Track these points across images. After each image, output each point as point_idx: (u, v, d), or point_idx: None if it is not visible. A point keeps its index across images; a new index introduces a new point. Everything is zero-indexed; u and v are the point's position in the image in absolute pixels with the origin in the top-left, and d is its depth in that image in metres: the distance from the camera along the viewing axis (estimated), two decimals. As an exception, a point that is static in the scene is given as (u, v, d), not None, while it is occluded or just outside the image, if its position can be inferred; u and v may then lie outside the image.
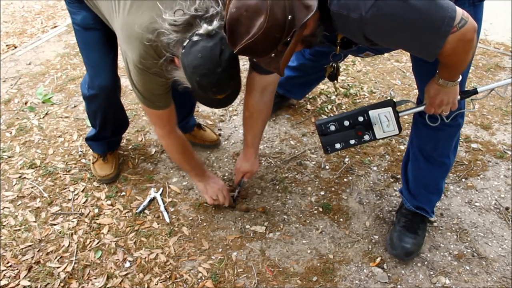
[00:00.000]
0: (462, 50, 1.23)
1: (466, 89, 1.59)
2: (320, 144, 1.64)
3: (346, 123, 1.58)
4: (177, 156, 1.89)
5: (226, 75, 1.34)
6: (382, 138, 1.63)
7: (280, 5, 1.14)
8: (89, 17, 1.70)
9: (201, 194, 2.02)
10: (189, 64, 1.32)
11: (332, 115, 2.60)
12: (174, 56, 1.40)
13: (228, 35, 1.25)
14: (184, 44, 1.32)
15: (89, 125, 2.31)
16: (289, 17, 1.16)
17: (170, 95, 1.65)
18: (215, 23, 1.31)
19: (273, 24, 1.16)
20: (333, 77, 1.72)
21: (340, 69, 2.42)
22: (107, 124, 2.07)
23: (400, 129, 1.57)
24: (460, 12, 1.17)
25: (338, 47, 1.52)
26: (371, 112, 1.56)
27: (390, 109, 1.55)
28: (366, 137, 1.58)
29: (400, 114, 1.57)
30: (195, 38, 1.30)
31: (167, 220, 1.97)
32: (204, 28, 1.29)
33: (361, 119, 1.57)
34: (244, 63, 2.43)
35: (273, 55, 1.23)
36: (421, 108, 1.55)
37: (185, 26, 1.31)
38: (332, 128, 1.59)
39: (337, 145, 1.61)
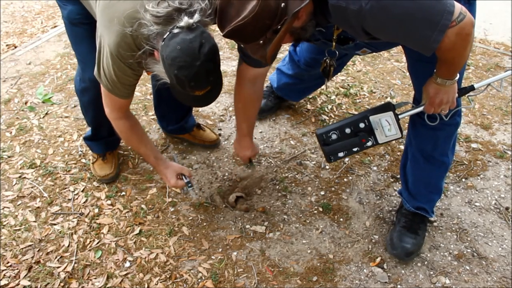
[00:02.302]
0: (461, 44, 1.24)
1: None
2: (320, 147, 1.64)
3: (348, 130, 1.57)
4: (129, 137, 1.76)
5: (204, 69, 1.31)
6: (384, 143, 1.62)
7: None
8: (75, 12, 1.69)
9: (168, 179, 1.84)
10: (167, 56, 1.30)
11: (332, 115, 2.60)
12: (154, 50, 1.38)
13: (218, 17, 1.26)
14: (164, 36, 1.31)
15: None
16: (282, 5, 1.17)
17: (133, 89, 1.62)
18: (196, 16, 1.30)
19: (265, 10, 1.16)
20: (326, 73, 1.72)
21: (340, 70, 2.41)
22: (102, 122, 2.03)
23: (401, 132, 1.56)
24: (458, 7, 1.18)
25: (334, 43, 1.52)
26: (371, 118, 1.55)
27: (391, 113, 1.54)
28: (369, 143, 1.58)
29: (400, 117, 1.57)
30: (176, 31, 1.29)
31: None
32: (185, 21, 1.28)
33: (362, 125, 1.56)
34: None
35: (261, 42, 1.24)
36: (421, 108, 1.54)
37: (166, 18, 1.30)
38: (334, 136, 1.58)
39: (340, 154, 1.60)
